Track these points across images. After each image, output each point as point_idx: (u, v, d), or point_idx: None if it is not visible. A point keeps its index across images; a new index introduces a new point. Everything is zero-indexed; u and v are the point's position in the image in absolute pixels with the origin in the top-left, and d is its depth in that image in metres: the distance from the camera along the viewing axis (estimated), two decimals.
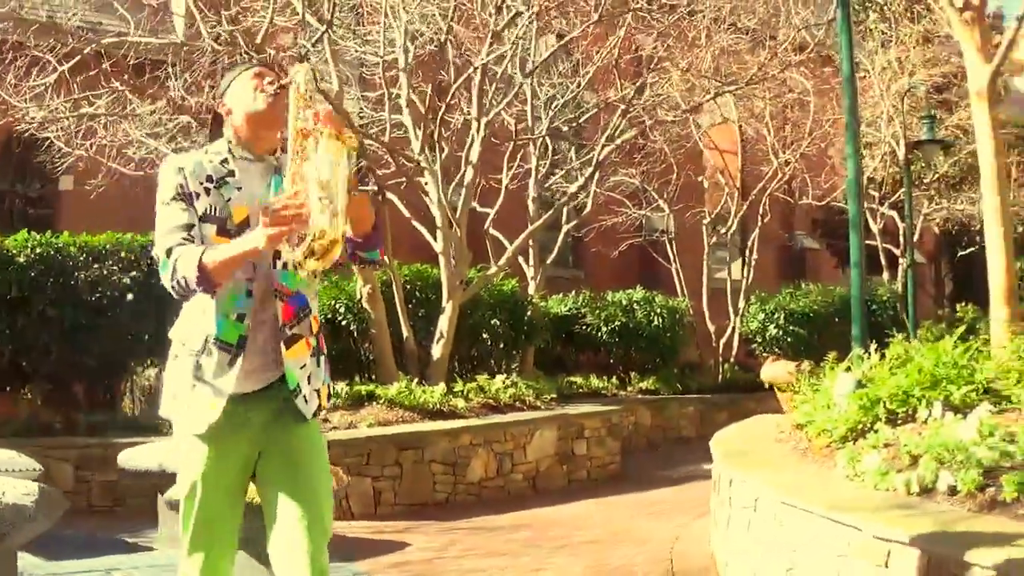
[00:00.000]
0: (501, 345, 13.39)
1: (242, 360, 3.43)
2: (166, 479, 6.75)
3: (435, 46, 12.81)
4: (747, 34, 16.65)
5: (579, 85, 14.93)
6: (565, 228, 15.60)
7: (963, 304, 16.67)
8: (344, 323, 12.22)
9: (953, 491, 4.86)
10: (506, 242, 13.85)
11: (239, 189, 3.52)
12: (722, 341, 17.91)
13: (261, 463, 3.54)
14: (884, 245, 21.01)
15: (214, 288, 3.38)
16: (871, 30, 20.06)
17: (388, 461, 9.27)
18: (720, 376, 17.47)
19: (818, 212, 23.41)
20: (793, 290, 18.84)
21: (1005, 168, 9.87)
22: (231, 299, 3.45)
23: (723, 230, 18.73)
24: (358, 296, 11.59)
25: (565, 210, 15.04)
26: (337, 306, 12.22)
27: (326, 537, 3.49)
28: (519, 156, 14.94)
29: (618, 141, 14.57)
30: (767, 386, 14.48)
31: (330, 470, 3.68)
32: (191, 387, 3.44)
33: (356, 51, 13.78)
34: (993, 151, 9.03)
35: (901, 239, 20.50)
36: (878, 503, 4.93)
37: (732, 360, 18.08)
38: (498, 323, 13.12)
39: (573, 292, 16.25)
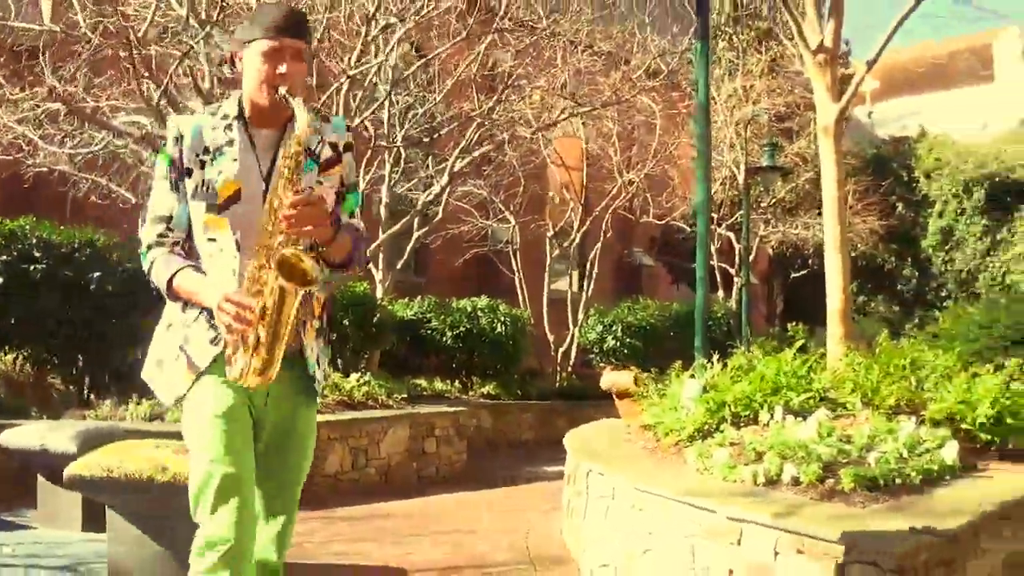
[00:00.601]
0: (350, 345, 13.61)
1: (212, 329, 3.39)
2: (50, 458, 6.92)
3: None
4: (602, 57, 17.20)
5: (435, 96, 15.23)
6: (416, 235, 15.87)
7: (794, 323, 17.46)
8: None
9: (796, 482, 5.36)
10: None
11: (235, 160, 3.44)
12: (561, 350, 18.40)
13: (260, 432, 3.48)
14: (720, 265, 21.83)
15: (180, 300, 3.43)
16: (719, 58, 20.86)
17: None
18: (558, 383, 17.94)
19: (656, 230, 24.16)
20: (631, 304, 19.29)
21: (845, 199, 10.53)
22: (223, 275, 3.41)
23: (565, 243, 19.22)
24: None
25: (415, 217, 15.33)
26: None
27: (293, 523, 3.56)
28: (375, 163, 15.20)
29: (475, 154, 14.99)
30: (606, 394, 15.02)
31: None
32: (175, 356, 3.44)
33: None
34: (836, 183, 9.67)
35: (737, 259, 21.28)
36: (729, 491, 5.39)
37: (570, 369, 18.57)
38: (348, 324, 13.34)
39: (419, 297, 16.53)
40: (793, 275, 25.76)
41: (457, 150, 14.70)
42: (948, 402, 6.55)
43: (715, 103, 20.50)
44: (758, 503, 5.05)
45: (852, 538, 4.30)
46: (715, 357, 8.69)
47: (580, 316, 18.77)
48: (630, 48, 17.42)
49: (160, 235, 3.46)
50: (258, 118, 3.51)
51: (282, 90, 3.37)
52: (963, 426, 6.34)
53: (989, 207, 27.99)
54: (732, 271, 21.90)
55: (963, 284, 27.52)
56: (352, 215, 3.70)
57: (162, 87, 10.32)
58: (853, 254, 20.58)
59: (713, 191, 20.45)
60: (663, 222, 22.02)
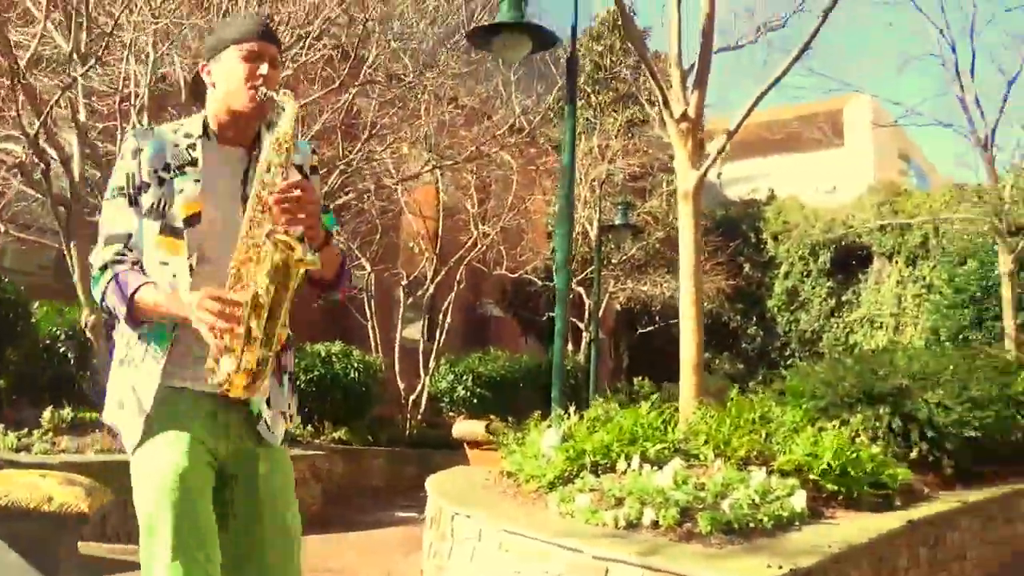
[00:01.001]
0: None
1: (174, 369, 3.12)
2: None
3: (169, 86, 13.05)
4: (465, 110, 17.57)
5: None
6: None
7: (640, 378, 17.86)
8: (63, 350, 12.15)
9: (656, 525, 5.74)
10: None
11: (196, 181, 3.22)
12: (411, 398, 18.54)
13: (228, 485, 3.19)
14: (570, 319, 22.12)
15: (141, 325, 3.15)
16: (578, 117, 21.37)
17: (116, 485, 9.51)
18: (408, 431, 18.04)
19: (508, 283, 24.50)
20: (482, 355, 19.48)
21: (701, 261, 10.98)
22: None
23: (419, 292, 19.47)
24: (82, 324, 11.68)
25: None
26: (57, 332, 12.16)
27: None
28: None
29: (338, 201, 15.19)
30: (456, 442, 15.26)
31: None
32: (128, 399, 3.15)
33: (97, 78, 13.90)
34: (694, 246, 10.12)
35: (587, 315, 21.76)
36: (593, 533, 5.75)
37: (420, 417, 18.70)
38: None
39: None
40: (640, 331, 26.31)
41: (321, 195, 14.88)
42: (796, 454, 7.00)
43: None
44: (622, 543, 5.39)
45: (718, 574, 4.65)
46: (571, 408, 9.06)
47: (431, 365, 18.94)
48: (493, 104, 17.85)
49: (118, 254, 3.19)
50: (224, 135, 3.34)
51: (264, 91, 3.22)
52: (810, 476, 6.80)
53: (834, 270, 29.00)
54: (581, 325, 22.36)
55: (807, 344, 28.43)
56: (329, 234, 3.37)
57: (41, 117, 10.31)
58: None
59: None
60: (515, 275, 22.36)
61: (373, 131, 15.58)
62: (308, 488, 11.84)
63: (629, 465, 7.05)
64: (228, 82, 3.26)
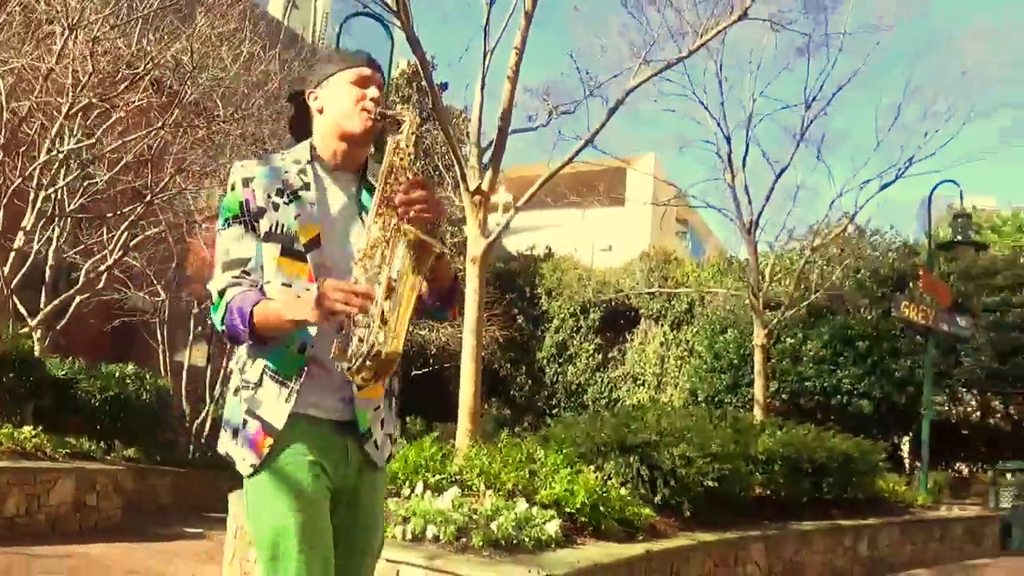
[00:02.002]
0: (8, 398, 14.17)
1: (298, 395, 3.15)
2: None
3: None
4: (266, 146, 18.29)
5: (103, 171, 15.96)
6: (78, 299, 16.50)
7: (413, 417, 18.90)
8: None
9: (437, 539, 6.96)
10: (21, 307, 14.93)
11: (312, 205, 3.26)
12: (197, 422, 19.23)
13: (336, 507, 3.24)
14: None
15: (265, 342, 3.18)
16: None
17: None
18: (193, 453, 18.73)
19: None
20: None
21: (483, 318, 12.19)
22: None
23: (208, 320, 20.10)
24: None
25: (68, 279, 16.02)
26: None
27: None
28: (50, 228, 15.91)
29: (149, 232, 15.97)
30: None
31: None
32: (243, 423, 3.20)
33: None
34: (478, 305, 11.36)
35: None
36: (389, 539, 6.92)
37: (203, 440, 19.34)
38: (9, 377, 13.91)
39: (70, 358, 17.06)
40: (415, 372, 27.33)
41: (125, 223, 15.62)
42: (555, 490, 8.23)
43: None
44: (410, 551, 6.62)
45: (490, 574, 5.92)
46: None
47: (216, 391, 19.58)
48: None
49: (236, 277, 3.22)
50: (333, 160, 3.40)
51: (379, 110, 3.31)
52: (567, 509, 8.04)
53: (603, 327, 30.00)
54: None
55: (573, 395, 29.44)
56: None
57: None
58: None
59: None
60: None
61: (182, 166, 16.33)
62: (111, 500, 12.50)
63: (413, 491, 8.17)
64: (337, 105, 3.34)
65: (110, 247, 15.89)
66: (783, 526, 11.32)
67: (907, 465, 24.61)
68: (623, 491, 9.06)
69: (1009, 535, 17.79)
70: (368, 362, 2.88)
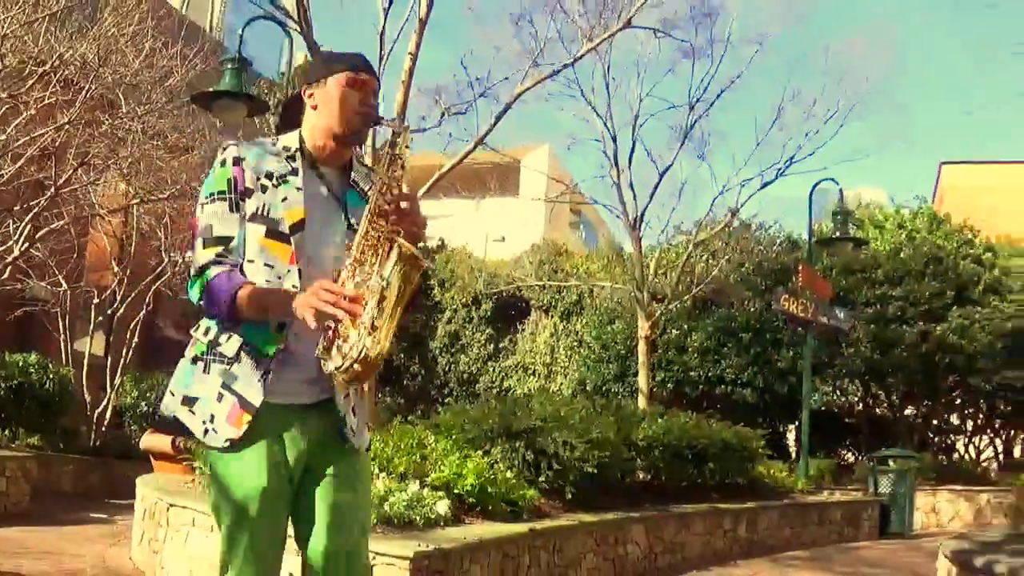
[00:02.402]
0: None
1: (273, 374, 3.28)
2: None
3: None
4: (166, 143, 18.63)
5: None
6: None
7: None
8: None
9: None
10: None
11: (299, 189, 3.39)
12: (97, 411, 19.43)
13: (305, 481, 3.38)
14: None
15: (239, 324, 3.28)
16: None
17: None
18: (94, 442, 18.80)
19: (191, 308, 25.26)
20: (164, 374, 20.11)
21: None
22: None
23: (109, 311, 20.41)
24: None
25: None
26: None
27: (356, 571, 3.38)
28: None
29: (55, 225, 16.22)
30: (138, 453, 16.27)
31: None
32: (217, 396, 3.29)
33: None
34: None
35: None
36: None
37: (104, 429, 19.45)
38: None
39: None
40: None
41: (29, 216, 15.84)
42: (445, 473, 8.79)
43: None
44: None
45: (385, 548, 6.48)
46: None
47: (118, 380, 19.80)
48: (198, 140, 19.10)
49: (219, 255, 3.32)
50: (319, 155, 3.52)
51: (373, 116, 3.50)
52: (456, 491, 8.62)
53: (494, 318, 30.27)
54: None
55: (465, 384, 29.66)
56: None
57: None
58: None
59: None
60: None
61: (85, 160, 16.57)
62: (19, 485, 12.79)
63: None
64: (330, 104, 3.45)
65: (16, 238, 16.08)
66: (664, 509, 11.97)
67: (792, 452, 25.39)
68: (509, 474, 9.60)
69: (887, 519, 18.44)
70: (356, 365, 3.03)
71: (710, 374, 24.31)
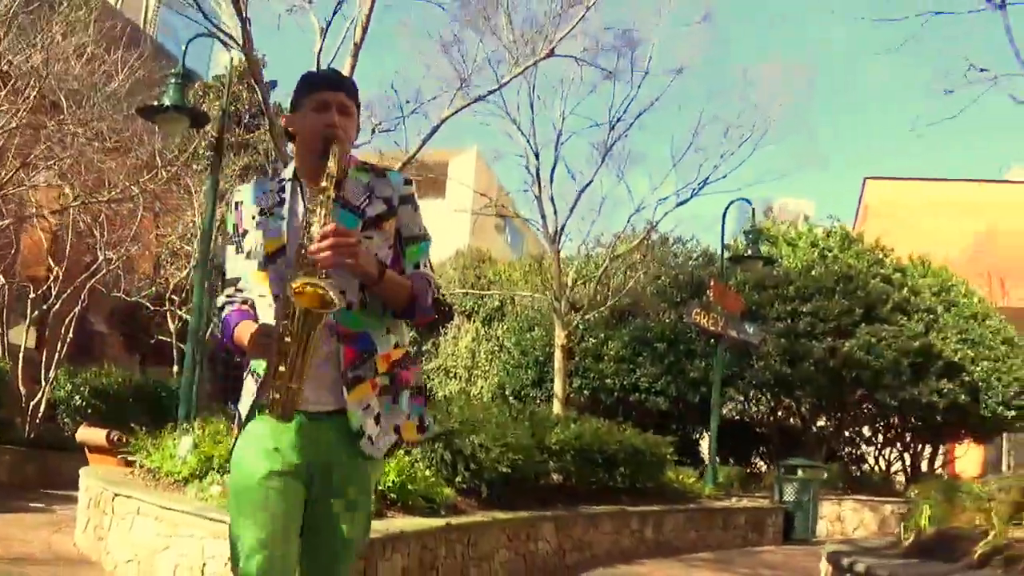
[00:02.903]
0: None
1: (262, 388, 3.53)
2: None
3: None
4: (105, 145, 19.15)
5: None
6: None
7: (225, 403, 19.66)
8: None
9: None
10: None
11: (281, 219, 3.59)
12: (32, 404, 19.85)
13: (314, 490, 3.57)
14: (178, 344, 23.64)
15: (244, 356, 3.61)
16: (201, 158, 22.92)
17: None
18: (28, 434, 19.06)
19: (121, 304, 25.66)
20: (98, 370, 20.43)
21: None
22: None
23: (45, 306, 20.81)
24: None
25: None
26: None
27: None
28: None
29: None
30: (72, 445, 16.76)
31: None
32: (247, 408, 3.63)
33: None
34: None
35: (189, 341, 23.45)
36: (226, 510, 8.13)
37: (38, 421, 19.86)
38: None
39: None
40: (239, 359, 27.81)
41: None
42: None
43: (195, 201, 22.65)
44: None
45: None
46: (196, 423, 11.31)
47: (52, 374, 19.99)
48: (135, 142, 19.66)
49: (229, 296, 3.70)
50: (309, 177, 3.64)
51: (325, 133, 3.56)
52: (378, 487, 9.34)
53: None
54: (185, 349, 23.84)
55: None
56: (417, 266, 3.75)
57: None
58: None
59: (180, 277, 23.03)
60: (131, 299, 23.88)
61: (26, 160, 17.09)
62: None
63: None
64: (303, 131, 3.66)
65: None
66: (574, 509, 12.79)
67: (705, 459, 26.25)
68: (428, 473, 10.28)
69: (791, 526, 19.30)
70: (274, 406, 3.29)
71: (625, 382, 25.12)
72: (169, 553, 8.08)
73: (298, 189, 3.65)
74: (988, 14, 9.82)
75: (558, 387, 21.43)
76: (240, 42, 12.50)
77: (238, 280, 3.69)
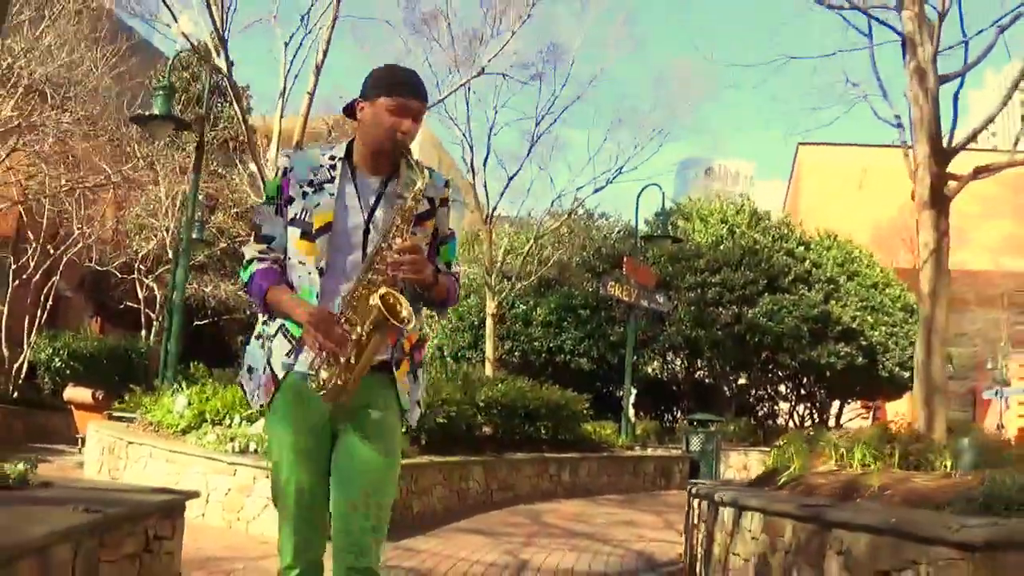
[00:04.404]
0: None
1: (299, 353, 3.65)
2: None
3: None
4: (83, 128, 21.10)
5: None
6: None
7: (195, 362, 21.32)
8: None
9: (256, 452, 10.24)
10: None
11: (332, 196, 3.68)
12: (15, 365, 21.69)
13: (336, 437, 3.68)
14: (145, 310, 25.71)
15: (270, 313, 3.71)
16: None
17: None
18: (13, 393, 21.06)
19: (90, 272, 27.41)
20: (75, 334, 22.57)
21: None
22: (306, 295, 3.66)
23: (25, 276, 22.64)
24: None
25: None
26: None
27: (371, 523, 3.62)
28: None
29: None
30: (55, 404, 18.49)
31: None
32: (263, 368, 3.72)
33: None
34: None
35: (157, 306, 25.46)
36: (222, 453, 10.38)
37: (21, 381, 21.75)
38: None
39: None
40: (197, 323, 28.31)
41: None
42: None
43: (159, 173, 24.79)
44: (241, 457, 10.10)
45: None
46: (182, 382, 13.45)
47: (33, 338, 21.87)
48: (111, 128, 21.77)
49: (262, 251, 3.75)
50: (364, 162, 3.79)
51: (403, 143, 3.70)
52: None
53: None
54: (153, 316, 25.79)
55: None
56: (448, 264, 3.96)
57: None
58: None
59: (147, 248, 24.86)
60: (103, 268, 25.61)
61: (15, 147, 18.99)
62: None
63: (232, 421, 11.46)
64: (374, 125, 3.70)
65: None
66: (500, 455, 14.79)
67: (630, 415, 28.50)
68: None
69: (697, 473, 21.00)
70: (330, 392, 3.49)
71: (552, 345, 27.45)
72: (179, 487, 10.28)
73: (348, 171, 3.79)
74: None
75: (489, 351, 23.78)
76: (223, 67, 14.55)
77: (272, 239, 3.78)
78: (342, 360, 3.46)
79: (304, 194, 3.70)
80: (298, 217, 3.69)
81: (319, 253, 3.66)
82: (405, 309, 3.45)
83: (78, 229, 23.28)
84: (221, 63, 14.75)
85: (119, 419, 14.20)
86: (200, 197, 25.11)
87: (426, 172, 3.67)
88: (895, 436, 8.24)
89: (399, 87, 3.70)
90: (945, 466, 6.95)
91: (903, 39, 11.22)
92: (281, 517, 3.71)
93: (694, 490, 9.70)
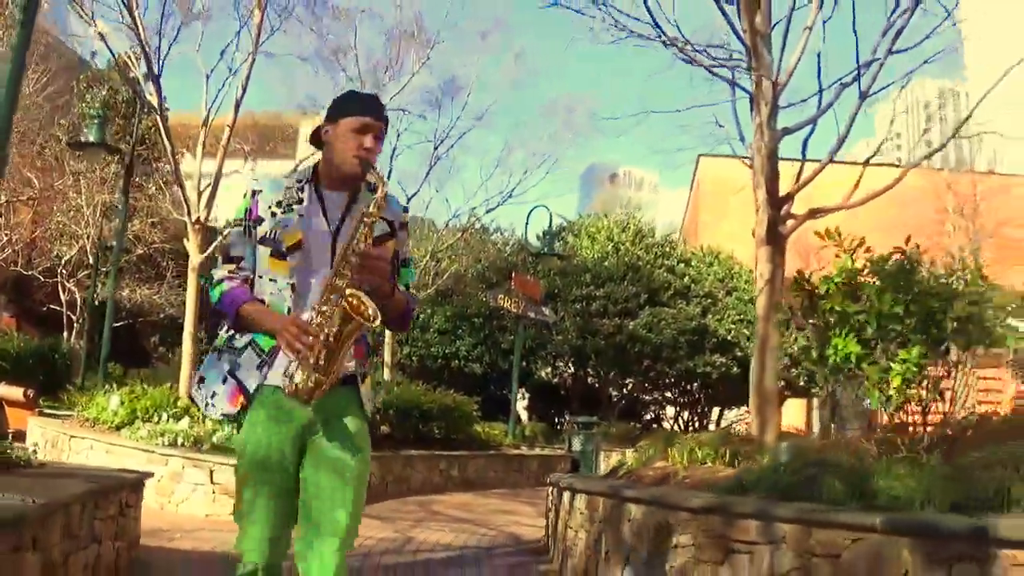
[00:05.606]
0: None
1: (273, 366, 3.80)
2: None
3: None
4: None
5: None
6: None
7: (113, 363, 22.31)
8: None
9: (183, 445, 12.06)
10: None
11: (301, 216, 3.84)
12: None
13: (308, 445, 3.82)
14: (67, 312, 26.77)
15: (243, 329, 3.84)
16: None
17: None
18: None
19: (12, 276, 27.89)
20: (4, 334, 23.45)
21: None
22: (277, 310, 3.81)
23: None
24: None
25: None
26: None
27: (355, 522, 3.84)
28: None
29: None
30: None
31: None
32: (223, 380, 3.85)
33: None
34: (194, 270, 15.89)
35: (78, 309, 26.64)
36: (155, 446, 12.12)
37: None
38: None
39: None
40: (115, 325, 29.60)
41: None
42: None
43: (84, 183, 25.76)
44: (172, 449, 11.86)
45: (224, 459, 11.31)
46: (111, 382, 15.03)
47: None
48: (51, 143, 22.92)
49: (231, 271, 3.88)
50: (330, 182, 3.95)
51: (367, 163, 3.84)
52: None
53: None
54: (75, 318, 26.87)
55: None
56: (407, 286, 4.12)
57: None
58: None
59: (71, 255, 25.89)
60: (27, 273, 26.57)
61: None
62: None
63: (161, 418, 13.06)
64: (339, 144, 3.89)
65: None
66: (395, 453, 16.46)
67: (521, 416, 30.31)
68: None
69: (577, 470, 21.59)
70: (305, 390, 3.62)
71: (447, 350, 29.09)
72: None
73: (314, 192, 3.95)
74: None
75: (387, 356, 25.14)
76: (156, 106, 16.17)
77: (241, 259, 3.90)
78: (313, 361, 3.60)
79: (273, 214, 3.88)
80: (268, 236, 3.86)
81: (290, 271, 3.85)
82: (370, 307, 3.61)
83: (6, 236, 24.52)
84: (139, 75, 16.47)
85: (51, 416, 15.48)
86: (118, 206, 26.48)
87: (386, 180, 3.86)
88: (730, 439, 9.90)
89: (360, 108, 3.93)
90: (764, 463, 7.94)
91: (750, 96, 12.17)
92: (247, 519, 3.81)
93: (549, 480, 11.53)
